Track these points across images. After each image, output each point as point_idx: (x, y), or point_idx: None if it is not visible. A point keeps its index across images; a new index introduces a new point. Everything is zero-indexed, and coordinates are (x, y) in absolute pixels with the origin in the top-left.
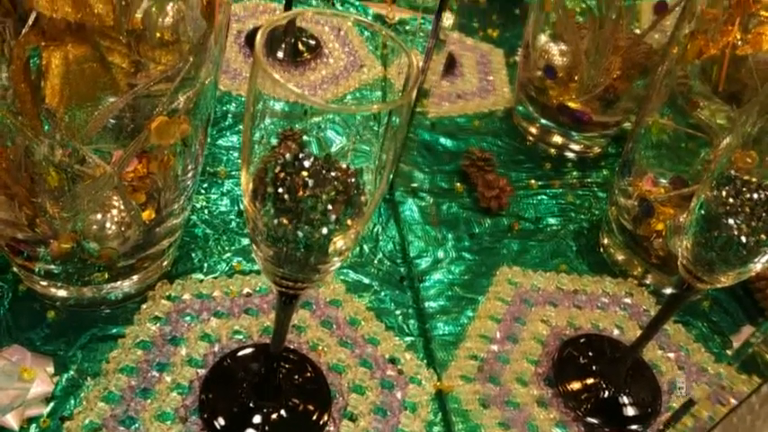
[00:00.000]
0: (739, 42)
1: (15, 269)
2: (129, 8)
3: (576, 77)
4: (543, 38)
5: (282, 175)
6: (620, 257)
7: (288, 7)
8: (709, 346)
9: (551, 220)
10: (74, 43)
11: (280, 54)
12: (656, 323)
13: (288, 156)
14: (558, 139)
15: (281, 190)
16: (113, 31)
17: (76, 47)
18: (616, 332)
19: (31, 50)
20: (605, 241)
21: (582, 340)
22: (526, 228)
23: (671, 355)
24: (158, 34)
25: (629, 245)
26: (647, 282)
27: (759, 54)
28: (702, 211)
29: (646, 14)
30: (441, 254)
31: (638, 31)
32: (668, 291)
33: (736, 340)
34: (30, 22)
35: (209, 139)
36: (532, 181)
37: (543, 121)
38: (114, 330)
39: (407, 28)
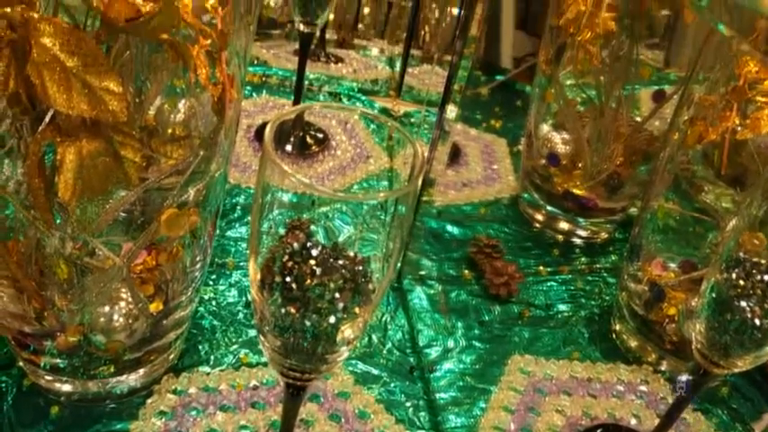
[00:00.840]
0: (738, 127)
1: (21, 363)
2: (143, 105)
3: (579, 165)
4: (545, 127)
5: (290, 263)
6: (634, 344)
7: (296, 103)
8: None
9: (562, 307)
10: (88, 138)
11: (288, 147)
12: (673, 411)
13: (296, 245)
14: (564, 225)
15: (288, 279)
16: (126, 126)
17: (90, 142)
18: (633, 421)
19: (46, 146)
20: (617, 327)
21: (599, 430)
22: (537, 315)
23: None
24: (170, 130)
25: (642, 330)
26: (663, 368)
27: (759, 138)
28: (713, 295)
29: (645, 102)
30: (451, 343)
31: (638, 119)
32: (684, 377)
33: (757, 428)
34: (47, 119)
35: (218, 231)
36: (541, 267)
37: (549, 207)
38: (119, 426)
39: (412, 120)
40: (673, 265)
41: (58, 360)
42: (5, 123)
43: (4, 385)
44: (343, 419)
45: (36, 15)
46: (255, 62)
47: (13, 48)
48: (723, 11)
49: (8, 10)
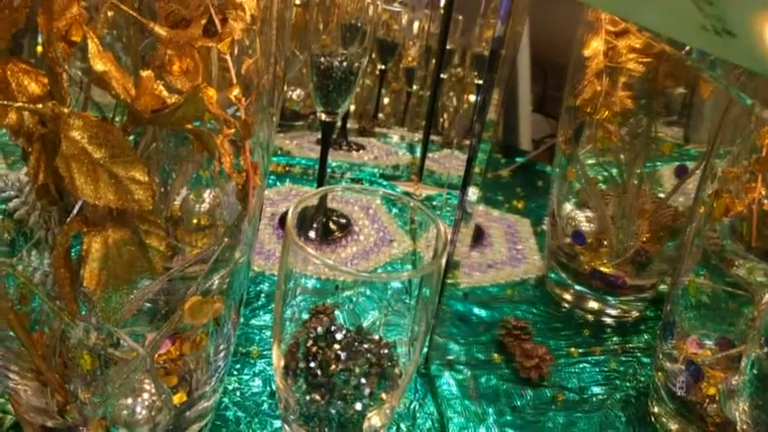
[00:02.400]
0: (765, 199)
1: None
2: (169, 195)
3: (605, 242)
4: (568, 206)
5: (314, 348)
6: (674, 426)
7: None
8: None
9: (596, 390)
10: (114, 228)
11: (311, 233)
12: None
13: (319, 329)
14: (593, 304)
15: (312, 364)
16: (152, 215)
17: (116, 231)
18: None
19: (73, 237)
20: (655, 410)
21: None
22: (570, 398)
23: None
24: (195, 220)
25: (682, 412)
26: None
27: None
28: (755, 371)
29: (667, 178)
30: (483, 430)
31: (661, 195)
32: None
33: None
34: (75, 211)
35: (242, 319)
36: (572, 348)
37: (577, 287)
38: None
39: (434, 204)
40: (709, 343)
41: None
42: (34, 215)
43: None
44: None
45: (66, 110)
46: (279, 152)
47: (43, 141)
48: (738, 82)
49: (40, 106)
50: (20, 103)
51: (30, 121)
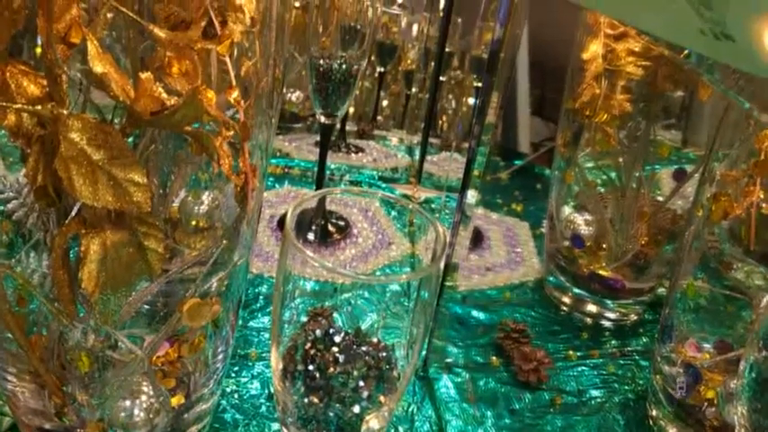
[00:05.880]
0: (764, 203)
1: None
2: (167, 197)
3: (603, 246)
4: (567, 209)
5: (312, 351)
6: (672, 430)
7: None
8: None
9: (594, 393)
10: (112, 230)
11: (310, 236)
12: None
13: (318, 332)
14: (592, 307)
15: (311, 367)
16: (151, 217)
17: (114, 233)
18: None
19: (71, 239)
20: (654, 413)
21: None
22: (569, 402)
23: None
24: (194, 222)
25: (680, 416)
26: None
27: None
28: (753, 375)
29: (666, 182)
30: None
31: (660, 198)
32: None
33: None
34: (73, 212)
35: (240, 322)
36: (570, 352)
37: (576, 290)
38: None
39: (433, 206)
40: (707, 346)
41: None
42: (32, 217)
43: None
44: None
45: (65, 112)
46: (278, 154)
47: (42, 143)
48: (737, 85)
49: (39, 107)
50: (19, 105)
51: (29, 123)
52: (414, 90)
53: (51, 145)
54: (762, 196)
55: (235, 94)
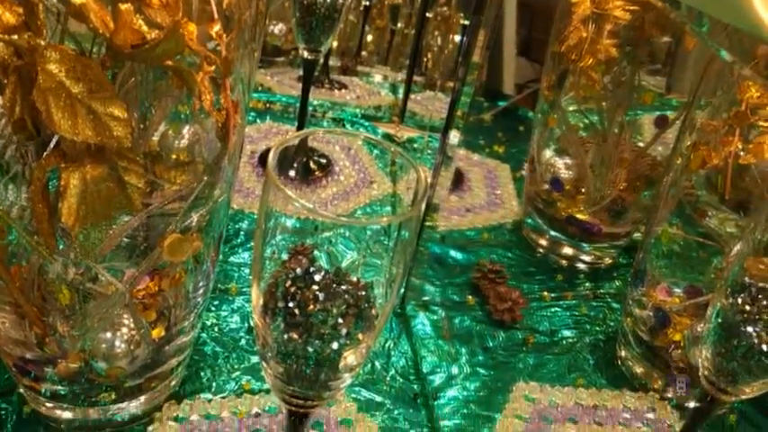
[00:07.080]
0: (741, 152)
1: (21, 390)
2: (147, 131)
3: (582, 190)
4: (548, 152)
5: (293, 289)
6: (639, 370)
7: (300, 129)
8: None
9: (566, 333)
10: (92, 164)
11: (291, 173)
12: None
13: (298, 270)
14: (568, 250)
15: (291, 304)
16: (131, 151)
17: (94, 167)
18: None
19: (50, 172)
20: (623, 354)
21: None
22: (541, 341)
23: None
24: (174, 156)
25: (648, 357)
26: (669, 395)
27: (762, 162)
28: (719, 320)
29: (647, 128)
30: (455, 369)
31: (641, 144)
32: (692, 404)
33: None
34: (52, 145)
35: (220, 257)
36: (545, 293)
37: (552, 233)
38: None
39: (415, 146)
40: (678, 291)
41: (59, 387)
42: (10, 149)
43: (4, 412)
44: None
45: (43, 42)
46: (259, 89)
47: (20, 74)
48: (724, 37)
49: (15, 37)
50: None
51: (5, 53)
52: (399, 25)
53: (29, 76)
54: (740, 146)
55: (216, 27)
